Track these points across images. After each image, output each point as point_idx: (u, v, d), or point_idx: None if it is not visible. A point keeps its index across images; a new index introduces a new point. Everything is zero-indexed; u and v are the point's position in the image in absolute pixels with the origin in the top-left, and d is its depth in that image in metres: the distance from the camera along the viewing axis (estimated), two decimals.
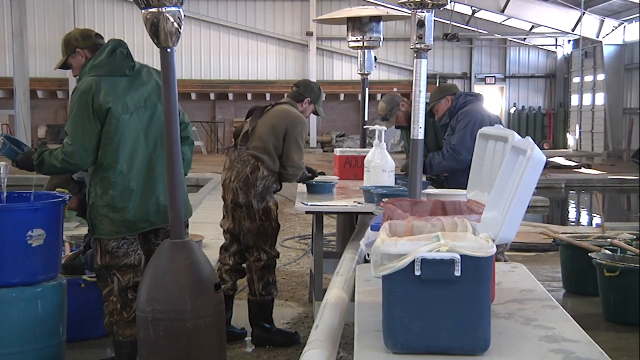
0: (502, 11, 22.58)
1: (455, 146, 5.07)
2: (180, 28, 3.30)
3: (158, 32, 3.27)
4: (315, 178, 5.22)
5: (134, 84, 3.77)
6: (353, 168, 5.99)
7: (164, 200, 3.75)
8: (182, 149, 3.64)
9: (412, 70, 3.48)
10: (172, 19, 3.26)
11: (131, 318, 3.77)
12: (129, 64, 3.77)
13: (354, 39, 6.10)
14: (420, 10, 3.37)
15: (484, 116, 5.10)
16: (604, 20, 22.41)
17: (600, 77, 23.17)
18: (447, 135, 5.29)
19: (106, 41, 3.87)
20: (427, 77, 3.56)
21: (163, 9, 3.25)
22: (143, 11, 3.29)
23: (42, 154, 3.75)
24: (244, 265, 4.82)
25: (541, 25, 23.69)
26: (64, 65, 3.92)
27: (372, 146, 5.08)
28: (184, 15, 3.35)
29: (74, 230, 7.86)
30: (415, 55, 3.45)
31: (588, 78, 24.38)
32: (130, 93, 3.74)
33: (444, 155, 5.13)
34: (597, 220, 11.50)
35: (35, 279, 3.77)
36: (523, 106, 26.49)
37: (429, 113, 5.46)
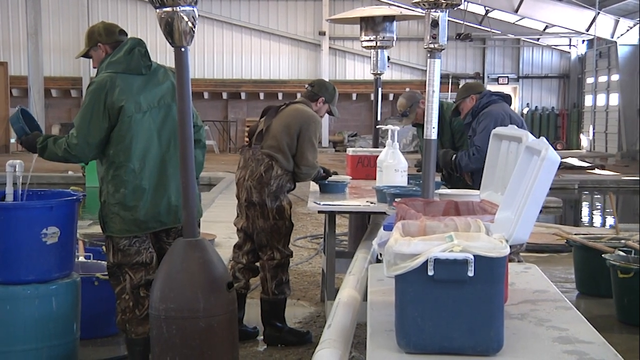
0: (516, 11, 22.50)
1: (481, 148, 5.05)
2: (195, 27, 3.31)
3: (172, 31, 3.28)
4: (329, 178, 5.23)
5: (149, 84, 3.79)
6: (365, 168, 5.98)
7: (176, 200, 3.77)
8: (194, 152, 3.65)
9: (425, 70, 3.50)
10: (186, 18, 3.27)
11: (143, 316, 3.79)
12: (145, 63, 3.79)
13: (367, 38, 6.09)
14: (434, 10, 3.36)
15: (505, 117, 5.05)
16: (618, 21, 22.27)
17: (615, 77, 23.03)
18: (469, 135, 5.28)
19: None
20: (440, 77, 3.55)
21: (177, 8, 3.26)
22: (157, 10, 3.30)
23: (47, 140, 3.78)
24: (257, 264, 4.83)
25: (555, 25, 23.59)
26: (86, 55, 3.95)
27: (385, 146, 5.08)
28: (198, 15, 3.36)
29: (87, 228, 7.90)
30: (428, 55, 3.45)
31: (602, 78, 24.24)
32: (144, 92, 3.75)
33: (470, 157, 5.11)
34: (610, 221, 11.44)
35: (50, 276, 3.79)
36: (536, 106, 26.39)
37: (455, 111, 5.46)
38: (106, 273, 3.98)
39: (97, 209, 3.87)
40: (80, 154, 3.72)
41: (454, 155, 5.31)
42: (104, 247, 4.30)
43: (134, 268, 3.82)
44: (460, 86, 5.55)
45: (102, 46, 3.86)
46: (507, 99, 5.33)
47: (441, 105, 5.68)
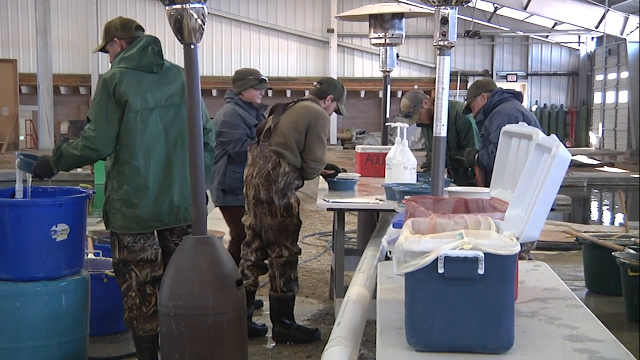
0: (525, 8, 22.42)
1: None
2: (204, 24, 3.31)
3: (182, 28, 3.28)
4: (337, 175, 5.23)
5: (159, 82, 3.79)
6: (374, 165, 5.98)
7: (178, 200, 3.77)
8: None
9: (433, 68, 3.51)
10: (196, 16, 3.27)
11: (150, 313, 3.80)
12: (157, 61, 3.80)
13: (376, 35, 6.08)
14: (443, 7, 3.35)
15: (518, 114, 5.02)
16: (628, 18, 22.16)
17: (624, 74, 22.93)
18: (482, 134, 5.26)
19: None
20: (449, 75, 3.54)
21: (187, 5, 3.26)
22: (167, 8, 3.30)
23: (59, 148, 3.78)
24: (266, 261, 4.83)
25: (564, 23, 23.49)
26: (103, 49, 3.96)
27: (394, 143, 5.07)
28: (207, 12, 3.36)
29: (96, 225, 7.92)
30: (438, 52, 3.44)
31: (611, 76, 24.14)
32: (152, 90, 3.76)
33: (489, 155, 5.09)
34: (620, 219, 11.40)
35: (59, 273, 3.80)
36: (545, 104, 26.31)
37: (466, 109, 5.46)
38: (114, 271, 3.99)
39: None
40: (100, 145, 3.68)
41: (476, 155, 5.30)
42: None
43: (139, 265, 3.83)
44: (469, 84, 5.55)
45: (118, 41, 3.87)
46: (518, 96, 5.31)
47: None
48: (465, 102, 5.48)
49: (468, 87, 5.62)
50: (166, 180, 3.77)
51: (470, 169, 5.60)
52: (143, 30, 3.94)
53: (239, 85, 5.37)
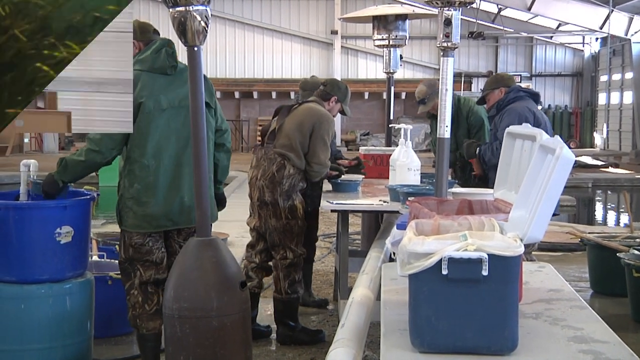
0: (529, 9, 22.38)
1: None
2: (208, 27, 3.31)
3: (185, 30, 3.29)
4: (341, 177, 5.24)
5: (172, 84, 3.83)
6: (378, 167, 5.98)
7: (189, 201, 3.79)
8: (218, 156, 3.90)
9: (437, 69, 3.50)
10: (199, 18, 3.27)
11: (153, 311, 3.82)
12: (171, 63, 3.84)
13: (380, 37, 6.09)
14: (447, 8, 3.36)
15: (529, 114, 4.99)
16: (632, 18, 22.11)
17: (629, 75, 22.87)
18: (490, 129, 5.25)
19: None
20: (453, 76, 3.54)
21: (190, 7, 3.26)
22: (171, 10, 3.31)
23: (63, 159, 3.81)
24: (271, 263, 4.83)
25: (568, 23, 23.44)
26: None
27: (398, 145, 5.07)
28: (210, 14, 3.36)
29: (100, 227, 7.94)
30: (442, 53, 3.44)
31: (616, 76, 24.09)
32: (165, 92, 3.80)
33: (493, 152, 5.07)
34: (625, 219, 11.37)
35: (64, 275, 3.80)
36: (549, 105, 26.26)
37: (481, 100, 5.43)
38: (119, 272, 4.00)
39: (114, 206, 3.90)
40: (104, 148, 3.73)
41: (478, 148, 5.27)
42: (117, 246, 4.32)
43: (145, 265, 3.85)
44: (473, 85, 5.53)
45: (136, 43, 3.90)
46: (535, 96, 5.28)
47: (458, 99, 5.66)
48: (482, 93, 5.45)
49: (471, 88, 5.61)
50: (176, 180, 3.80)
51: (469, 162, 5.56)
52: (159, 33, 4.00)
53: (304, 95, 5.51)
